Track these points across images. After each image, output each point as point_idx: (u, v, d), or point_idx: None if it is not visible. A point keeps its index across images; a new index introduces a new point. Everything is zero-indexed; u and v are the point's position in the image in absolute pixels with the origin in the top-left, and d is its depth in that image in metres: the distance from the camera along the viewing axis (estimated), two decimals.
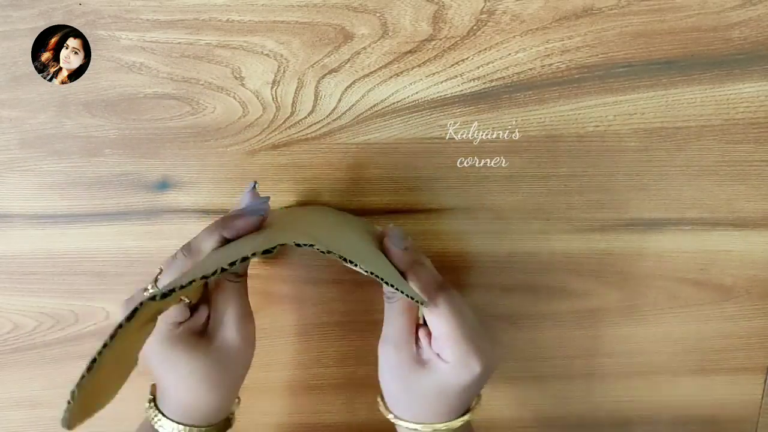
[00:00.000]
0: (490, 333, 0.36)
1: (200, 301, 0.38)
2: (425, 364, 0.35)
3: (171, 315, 0.36)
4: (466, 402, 0.36)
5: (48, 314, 0.44)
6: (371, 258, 0.33)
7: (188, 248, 0.36)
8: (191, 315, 0.36)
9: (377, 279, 0.30)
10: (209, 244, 0.35)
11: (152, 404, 0.37)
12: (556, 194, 0.42)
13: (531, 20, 0.37)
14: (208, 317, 0.37)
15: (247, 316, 0.36)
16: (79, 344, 0.45)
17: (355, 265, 0.30)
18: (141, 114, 0.39)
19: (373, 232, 0.39)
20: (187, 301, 0.36)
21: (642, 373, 0.47)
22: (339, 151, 0.40)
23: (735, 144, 0.40)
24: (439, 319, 0.34)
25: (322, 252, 0.29)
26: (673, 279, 0.44)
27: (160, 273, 0.36)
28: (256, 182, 0.38)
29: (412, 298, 0.31)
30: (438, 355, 0.34)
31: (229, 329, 0.35)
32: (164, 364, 0.35)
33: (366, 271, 0.30)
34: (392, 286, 0.30)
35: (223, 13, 0.37)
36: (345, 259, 0.29)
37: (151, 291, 0.35)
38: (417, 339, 0.36)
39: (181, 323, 0.36)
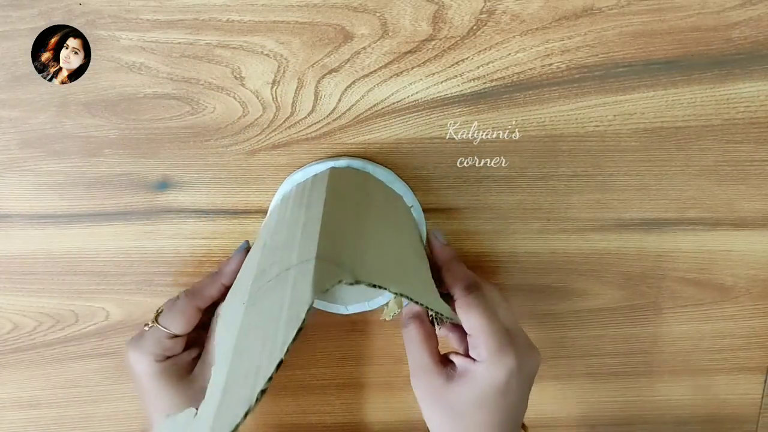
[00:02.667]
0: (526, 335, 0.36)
1: (193, 341, 0.39)
2: (462, 376, 0.34)
3: (162, 347, 0.37)
4: (512, 415, 0.34)
5: (48, 314, 0.44)
6: (406, 276, 0.32)
7: (192, 292, 0.38)
8: (183, 351, 0.38)
9: (407, 299, 0.29)
10: (213, 290, 0.38)
11: None
12: (556, 194, 0.42)
13: (531, 20, 0.37)
14: (198, 357, 0.38)
15: None
16: (79, 344, 0.45)
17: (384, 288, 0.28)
18: (141, 114, 0.39)
19: (417, 233, 0.40)
20: (178, 334, 0.37)
21: (642, 373, 0.47)
22: (339, 151, 0.40)
23: (735, 144, 0.40)
24: (468, 315, 0.34)
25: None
26: (673, 279, 0.44)
27: (158, 313, 0.38)
28: (248, 242, 0.41)
29: (441, 315, 0.31)
30: (473, 359, 0.34)
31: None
32: (149, 393, 0.36)
33: (396, 293, 0.28)
34: (432, 311, 0.30)
35: (223, 13, 0.37)
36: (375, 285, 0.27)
37: None
38: (448, 362, 0.35)
39: (168, 357, 0.37)
